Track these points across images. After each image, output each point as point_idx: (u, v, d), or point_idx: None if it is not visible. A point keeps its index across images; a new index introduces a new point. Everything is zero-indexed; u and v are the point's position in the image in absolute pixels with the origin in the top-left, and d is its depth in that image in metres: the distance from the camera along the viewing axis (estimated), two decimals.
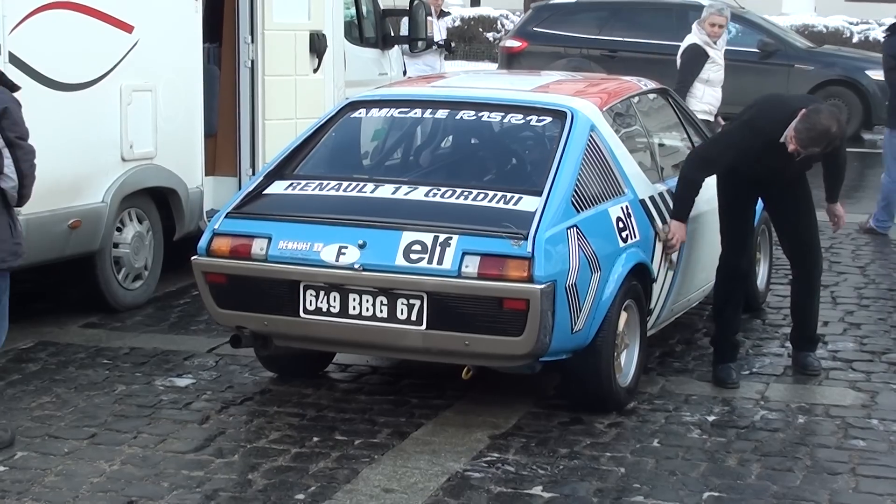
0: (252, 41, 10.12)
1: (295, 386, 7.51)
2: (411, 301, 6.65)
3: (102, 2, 8.67)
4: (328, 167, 7.47)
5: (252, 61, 10.13)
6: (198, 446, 6.57)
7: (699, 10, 18.50)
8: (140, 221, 9.19)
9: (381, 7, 12.37)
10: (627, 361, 7.27)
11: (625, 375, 7.22)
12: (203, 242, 7.06)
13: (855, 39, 27.72)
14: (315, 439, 6.67)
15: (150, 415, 7.03)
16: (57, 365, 7.89)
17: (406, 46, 12.87)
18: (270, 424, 6.89)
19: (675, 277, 7.80)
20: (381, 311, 6.71)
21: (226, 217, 7.09)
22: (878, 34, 29.30)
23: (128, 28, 8.88)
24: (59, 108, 8.36)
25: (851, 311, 9.34)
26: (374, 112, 7.78)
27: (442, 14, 12.85)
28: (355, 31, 11.74)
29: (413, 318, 6.66)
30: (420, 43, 12.38)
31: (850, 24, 28.72)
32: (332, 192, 7.11)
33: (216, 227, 7.06)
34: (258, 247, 6.90)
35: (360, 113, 7.74)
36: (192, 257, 7.07)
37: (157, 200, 9.33)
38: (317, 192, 7.15)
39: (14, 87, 6.57)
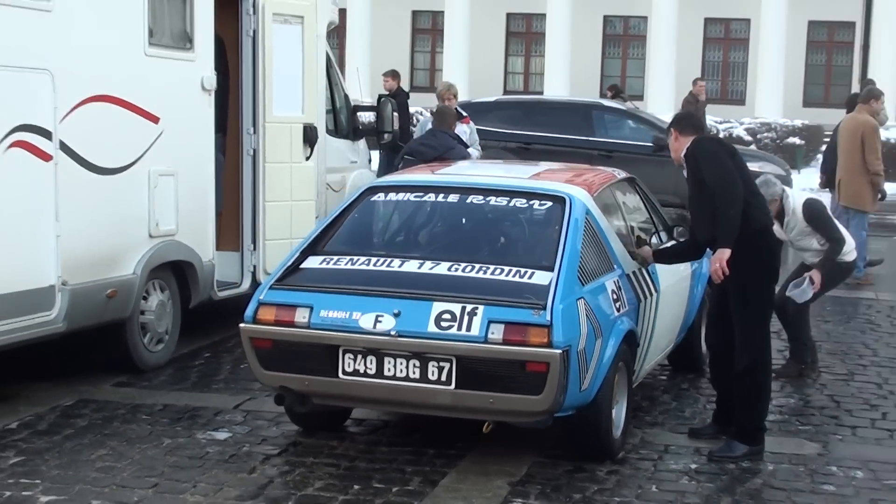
0: (254, 132, 9.93)
1: (321, 438, 7.29)
2: (441, 364, 6.51)
3: (134, 95, 8.45)
4: (355, 244, 7.30)
5: (254, 150, 9.94)
6: (253, 494, 6.33)
7: (602, 109, 18.81)
8: (162, 291, 8.93)
9: (352, 102, 12.24)
10: (618, 415, 7.17)
11: (616, 427, 7.13)
12: (249, 311, 6.85)
13: (721, 136, 28.22)
14: (356, 487, 6.46)
15: (202, 465, 6.76)
16: (102, 420, 7.57)
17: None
18: (312, 474, 6.66)
19: (650, 342, 7.76)
20: (414, 373, 6.56)
21: (269, 288, 6.90)
22: (741, 131, 29.92)
23: (154, 119, 8.67)
24: (99, 189, 8.13)
25: None
26: (392, 196, 7.63)
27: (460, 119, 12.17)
28: (330, 123, 11.58)
29: (443, 378, 6.51)
30: (386, 135, 12.25)
31: (716, 122, 29.26)
32: (363, 267, 6.96)
33: (261, 297, 6.86)
34: (301, 315, 6.72)
35: (379, 196, 7.60)
36: (240, 324, 6.85)
37: (176, 272, 9.09)
38: (349, 266, 6.99)
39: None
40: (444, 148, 10.06)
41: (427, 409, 6.78)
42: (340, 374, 6.67)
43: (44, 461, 6.73)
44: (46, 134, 7.60)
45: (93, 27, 8.08)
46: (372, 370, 6.62)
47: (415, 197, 7.59)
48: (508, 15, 38.16)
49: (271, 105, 9.94)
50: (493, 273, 6.77)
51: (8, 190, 7.35)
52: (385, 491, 6.41)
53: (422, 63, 38.43)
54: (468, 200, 7.42)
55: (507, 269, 6.80)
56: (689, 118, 7.75)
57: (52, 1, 7.64)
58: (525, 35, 38.29)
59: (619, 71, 37.72)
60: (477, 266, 6.84)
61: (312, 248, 7.20)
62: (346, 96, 12.01)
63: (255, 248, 9.94)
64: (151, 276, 8.72)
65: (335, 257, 7.10)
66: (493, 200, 7.39)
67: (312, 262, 7.09)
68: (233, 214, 10.02)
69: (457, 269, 6.83)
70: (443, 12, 35.66)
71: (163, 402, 8.02)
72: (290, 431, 7.45)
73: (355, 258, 7.05)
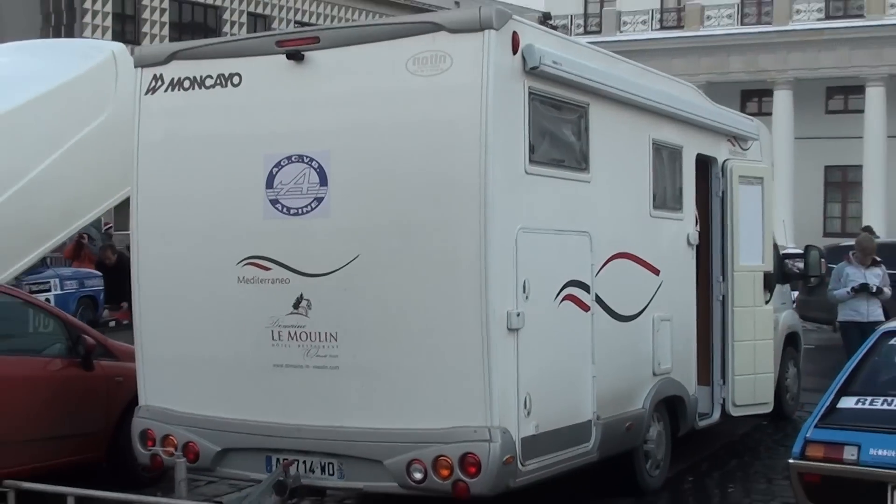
0: (723, 280, 10.06)
1: None
2: None
3: (643, 251, 8.72)
4: (883, 385, 7.23)
5: (723, 296, 10.05)
6: None
7: None
8: (658, 422, 9.06)
9: (781, 249, 12.27)
10: None
11: None
12: (797, 448, 6.83)
13: None
14: None
15: None
16: None
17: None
18: None
19: None
20: None
21: (815, 427, 6.89)
22: None
23: (656, 271, 8.90)
24: (620, 334, 8.35)
25: None
26: None
27: (873, 263, 12.16)
28: None
29: None
30: (813, 279, 12.19)
31: None
32: None
33: (808, 435, 6.85)
34: (849, 453, 6.66)
35: (895, 341, 7.54)
36: (789, 460, 6.86)
37: (668, 405, 9.21)
38: (885, 406, 6.92)
39: None
40: None
41: None
42: None
43: None
44: (586, 287, 7.88)
45: (618, 194, 8.40)
46: None
47: None
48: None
49: (738, 256, 10.05)
50: None
51: (561, 338, 7.62)
52: None
53: None
54: None
55: None
56: None
57: (592, 173, 8.00)
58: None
59: None
60: None
61: (844, 389, 7.18)
62: (776, 244, 12.02)
63: (724, 383, 10.01)
64: (654, 410, 8.87)
65: (868, 398, 7.04)
66: None
67: (848, 403, 7.04)
68: (703, 353, 10.10)
69: None
70: None
71: None
72: None
73: (889, 399, 6.98)
